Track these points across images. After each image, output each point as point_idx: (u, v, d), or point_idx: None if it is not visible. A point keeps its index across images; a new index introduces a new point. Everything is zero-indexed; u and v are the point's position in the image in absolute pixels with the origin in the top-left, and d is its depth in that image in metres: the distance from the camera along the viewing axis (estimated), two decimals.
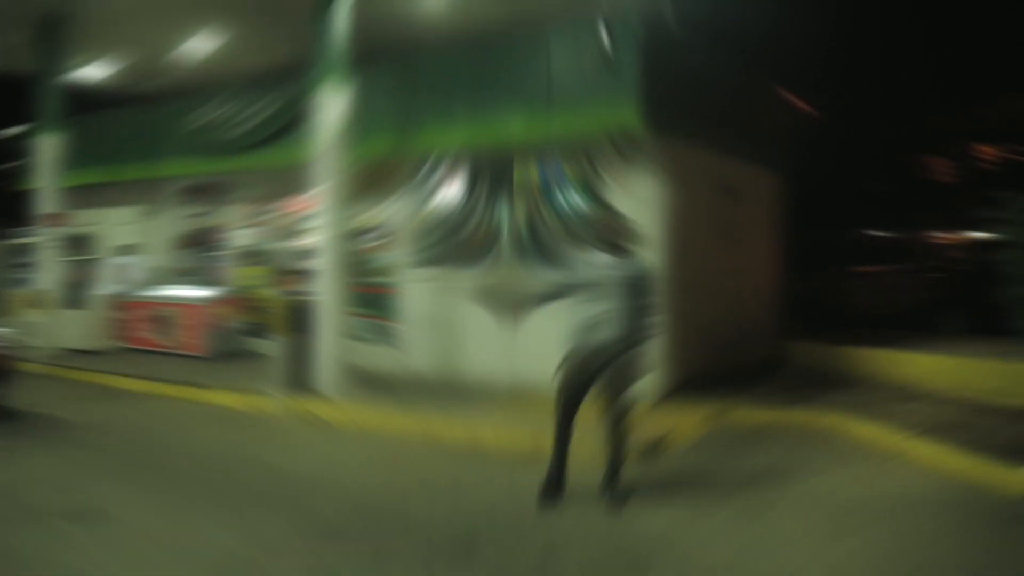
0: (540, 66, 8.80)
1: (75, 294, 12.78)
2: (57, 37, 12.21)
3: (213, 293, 11.93)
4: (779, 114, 12.12)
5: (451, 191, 10.18)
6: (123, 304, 12.86)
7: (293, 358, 9.08)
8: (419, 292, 10.44)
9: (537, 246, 9.58)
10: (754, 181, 11.09)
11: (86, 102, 13.27)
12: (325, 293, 8.93)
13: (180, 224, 13.76)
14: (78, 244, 13.69)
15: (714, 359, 9.72)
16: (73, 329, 12.58)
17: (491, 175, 10.12)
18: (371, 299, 11.15)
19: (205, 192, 13.53)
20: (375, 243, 11.65)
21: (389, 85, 10.12)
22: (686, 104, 9.04)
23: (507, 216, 10.11)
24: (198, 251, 13.57)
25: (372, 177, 10.46)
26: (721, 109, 10.03)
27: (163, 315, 12.28)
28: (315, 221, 9.04)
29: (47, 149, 12.69)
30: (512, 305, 9.53)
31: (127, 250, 13.97)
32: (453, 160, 10.30)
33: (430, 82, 9.75)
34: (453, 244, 10.43)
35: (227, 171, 11.80)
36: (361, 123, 9.94)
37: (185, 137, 12.03)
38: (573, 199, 9.33)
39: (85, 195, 13.48)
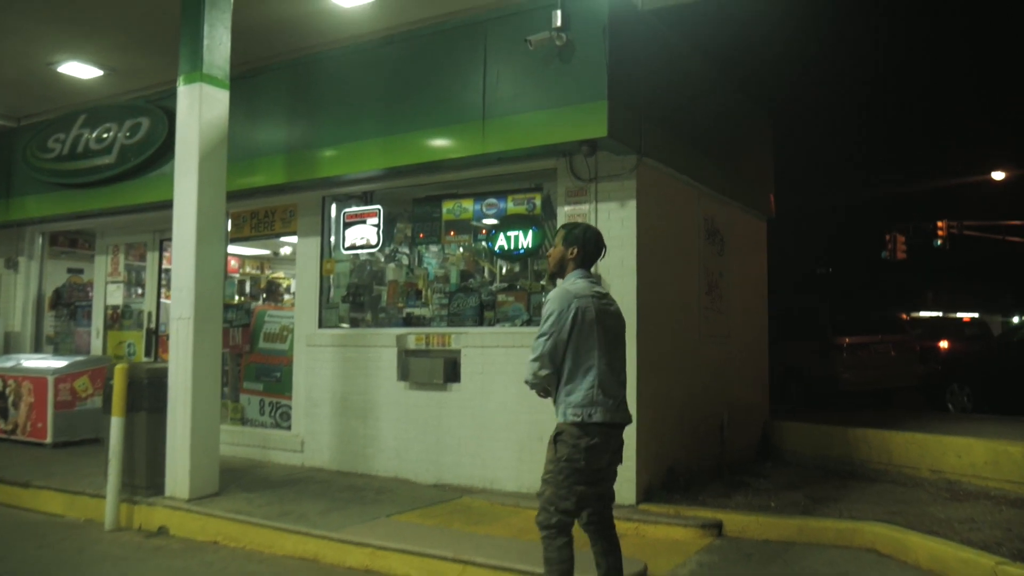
0: (475, 66, 6.80)
1: None
2: None
3: (66, 364, 9.43)
4: (769, 150, 10.29)
5: (363, 232, 7.99)
6: None
7: (142, 447, 6.66)
8: (322, 360, 8.14)
9: (473, 299, 7.42)
10: (741, 226, 9.13)
11: None
12: (180, 360, 6.58)
13: (42, 279, 11.29)
14: None
15: (697, 446, 7.54)
16: None
17: (415, 211, 8.00)
18: (260, 370, 8.79)
19: (74, 240, 11.17)
20: (265, 297, 9.38)
21: (279, 97, 8.03)
22: (664, 118, 7.08)
23: (434, 263, 7.97)
24: (63, 312, 11.10)
25: (258, 213, 8.26)
26: (705, 132, 8.12)
27: (6, 390, 9.71)
28: (177, 266, 6.75)
29: None
30: (440, 376, 7.29)
31: None
32: (363, 192, 8.17)
33: (333, 92, 7.69)
34: (366, 299, 8.21)
35: (93, 211, 9.47)
36: (241, 144, 7.83)
37: (44, 171, 9.74)
38: (519, 240, 7.24)
39: None
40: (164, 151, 8.58)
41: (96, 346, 10.38)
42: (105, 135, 8.98)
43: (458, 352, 7.30)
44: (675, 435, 7.15)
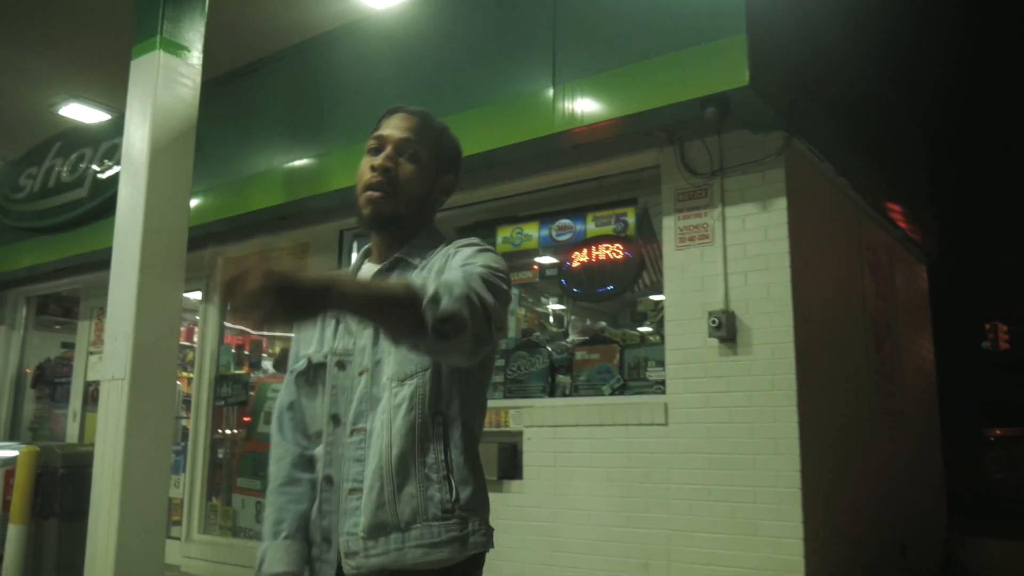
0: (536, 11, 4.76)
1: None
2: None
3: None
4: (928, 176, 7.98)
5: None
6: None
7: (50, 568, 4.51)
8: None
9: (539, 359, 5.19)
10: (903, 266, 6.77)
11: None
12: (108, 442, 4.44)
13: (24, 353, 9.44)
14: None
15: (870, 574, 5.03)
16: None
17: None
18: (259, 461, 6.61)
19: (68, 309, 9.37)
20: (275, 368, 7.27)
21: (279, 97, 6.16)
22: (818, 94, 4.89)
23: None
24: (44, 391, 9.18)
25: (237, 255, 6.24)
26: (863, 130, 5.91)
27: None
28: (113, 306, 4.69)
29: None
30: (492, 469, 5.01)
31: None
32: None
33: (345, 79, 5.74)
34: None
35: (67, 260, 7.60)
36: (234, 161, 5.98)
37: (13, 214, 7.99)
38: (605, 273, 5.06)
39: None
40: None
41: (72, 432, 8.36)
42: (80, 164, 7.18)
43: (518, 434, 5.03)
44: (847, 559, 4.65)
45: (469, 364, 1.56)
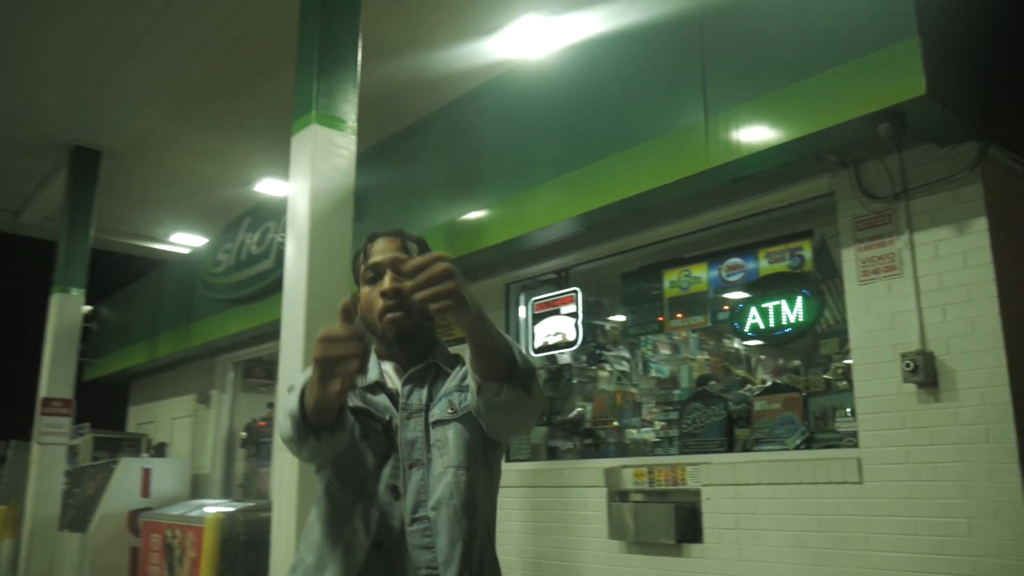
0: (685, 51, 4.49)
1: (79, 511, 9.19)
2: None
3: (232, 511, 7.84)
4: None
5: (556, 325, 5.73)
6: (138, 523, 9.06)
7: None
8: (508, 506, 5.81)
9: (716, 410, 4.81)
10: None
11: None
12: (283, 508, 4.53)
13: (233, 415, 10.12)
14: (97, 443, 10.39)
15: None
16: (68, 557, 8.87)
17: (625, 291, 5.62)
18: None
19: (271, 371, 9.96)
20: None
21: (432, 155, 6.22)
22: (1017, 93, 4.27)
23: (656, 362, 5.50)
24: (252, 450, 9.77)
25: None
26: None
27: (174, 541, 8.32)
28: (284, 373, 4.85)
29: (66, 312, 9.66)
30: (669, 532, 4.65)
31: (161, 451, 10.42)
32: (556, 273, 5.99)
33: (494, 132, 5.69)
34: (563, 419, 5.86)
35: (260, 328, 8.08)
36: (394, 222, 6.09)
37: (213, 287, 8.64)
38: (781, 313, 4.63)
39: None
40: None
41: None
42: (266, 236, 7.64)
43: (696, 493, 4.65)
44: None
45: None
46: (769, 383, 4.88)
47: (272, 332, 8.21)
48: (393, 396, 1.77)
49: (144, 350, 10.37)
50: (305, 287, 4.70)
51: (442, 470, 1.69)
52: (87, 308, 11.44)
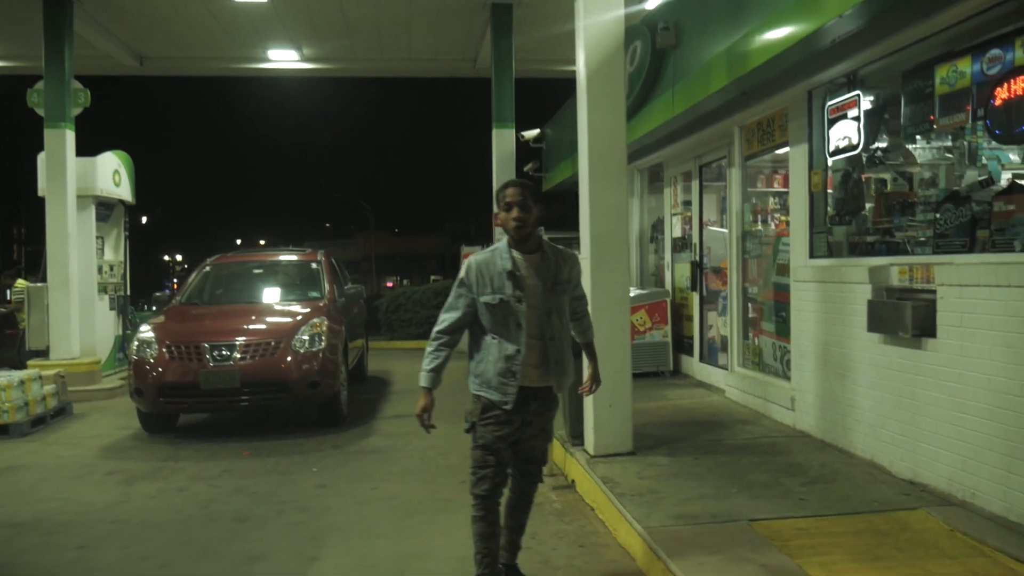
0: None
1: None
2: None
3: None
4: None
5: (844, 129, 5.96)
6: None
7: (571, 394, 6.37)
8: (806, 299, 6.51)
9: (963, 211, 4.88)
10: None
11: None
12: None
13: (643, 216, 11.68)
14: None
15: None
16: None
17: (904, 89, 5.58)
18: (772, 308, 7.51)
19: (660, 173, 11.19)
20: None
21: None
22: None
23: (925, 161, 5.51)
24: (652, 246, 11.30)
25: (762, 124, 6.80)
26: None
27: None
28: (582, 204, 6.14)
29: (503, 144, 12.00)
30: (906, 326, 5.02)
31: None
32: (848, 74, 6.07)
33: None
34: (851, 219, 6.19)
35: (646, 133, 8.95)
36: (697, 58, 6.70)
37: None
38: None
39: None
40: (654, 75, 8.04)
41: (668, 279, 10.31)
42: (635, 54, 8.56)
43: (933, 292, 4.89)
44: None
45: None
46: (1006, 184, 4.70)
47: (656, 141, 9.34)
48: (517, 276, 3.57)
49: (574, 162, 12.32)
50: (587, 133, 5.86)
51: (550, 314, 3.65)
52: (534, 132, 13.84)
